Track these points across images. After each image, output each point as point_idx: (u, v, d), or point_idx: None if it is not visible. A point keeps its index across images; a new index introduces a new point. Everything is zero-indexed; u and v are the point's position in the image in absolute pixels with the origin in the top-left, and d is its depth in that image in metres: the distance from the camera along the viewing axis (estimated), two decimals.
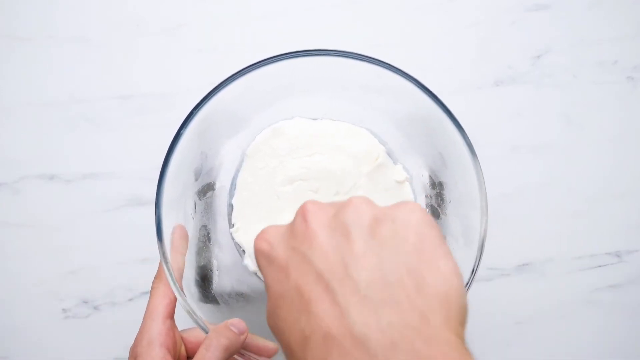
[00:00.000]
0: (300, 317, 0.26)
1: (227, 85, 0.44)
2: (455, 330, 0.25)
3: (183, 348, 0.42)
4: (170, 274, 0.41)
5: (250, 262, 0.50)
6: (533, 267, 0.58)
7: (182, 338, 0.42)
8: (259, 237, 0.31)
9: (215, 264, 0.50)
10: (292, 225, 0.30)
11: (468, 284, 0.42)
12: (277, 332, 0.29)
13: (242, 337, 0.40)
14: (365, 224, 0.28)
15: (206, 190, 0.50)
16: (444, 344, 0.24)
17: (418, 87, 0.44)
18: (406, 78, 0.44)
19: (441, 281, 0.26)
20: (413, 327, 0.24)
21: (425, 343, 0.24)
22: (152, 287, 0.42)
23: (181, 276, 0.43)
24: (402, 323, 0.24)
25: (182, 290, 0.42)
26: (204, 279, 0.49)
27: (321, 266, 0.27)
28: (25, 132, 0.59)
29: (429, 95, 0.44)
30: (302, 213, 0.29)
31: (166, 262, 0.41)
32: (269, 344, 0.43)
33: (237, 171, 0.51)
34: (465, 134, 0.43)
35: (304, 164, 0.49)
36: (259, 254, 0.31)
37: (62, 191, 0.58)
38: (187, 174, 0.47)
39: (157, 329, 0.39)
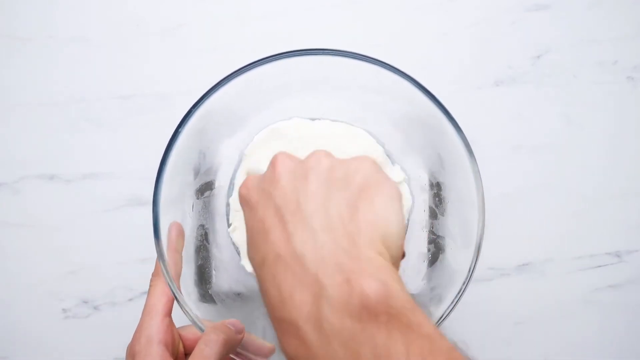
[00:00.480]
0: (261, 244, 0.32)
1: (225, 83, 0.44)
2: (378, 250, 0.30)
3: (181, 345, 0.42)
4: (167, 273, 0.41)
5: (247, 262, 0.50)
6: (533, 267, 0.58)
7: (179, 335, 0.42)
8: (242, 185, 0.36)
9: (213, 263, 0.50)
10: (265, 172, 0.35)
11: (465, 283, 0.42)
12: (251, 260, 0.34)
13: (240, 335, 0.40)
14: (322, 169, 0.33)
15: (204, 189, 0.50)
16: (365, 260, 0.29)
17: (416, 86, 0.44)
18: (404, 78, 0.44)
19: (371, 212, 0.31)
20: (342, 247, 0.30)
21: (349, 259, 0.29)
22: (150, 285, 0.42)
23: (179, 274, 0.43)
24: (333, 244, 0.30)
25: (179, 289, 0.42)
26: (202, 279, 0.49)
27: (280, 202, 0.32)
28: (25, 132, 0.59)
29: (426, 95, 0.43)
30: (273, 161, 0.35)
31: (163, 261, 0.41)
32: (266, 344, 0.43)
33: (235, 171, 0.51)
34: (463, 134, 0.43)
35: None
36: (240, 198, 0.36)
37: (62, 191, 0.58)
38: (185, 173, 0.47)
39: (156, 326, 0.39)
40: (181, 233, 0.46)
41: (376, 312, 0.27)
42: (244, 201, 0.35)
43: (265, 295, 0.31)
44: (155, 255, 0.41)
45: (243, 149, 0.51)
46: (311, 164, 0.33)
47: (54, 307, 0.58)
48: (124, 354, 0.57)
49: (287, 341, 0.30)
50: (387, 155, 0.51)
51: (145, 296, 0.56)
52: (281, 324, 0.30)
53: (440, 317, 0.42)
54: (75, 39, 0.59)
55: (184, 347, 0.42)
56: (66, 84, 0.59)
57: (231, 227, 0.50)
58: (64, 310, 0.58)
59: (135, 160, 0.58)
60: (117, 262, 0.58)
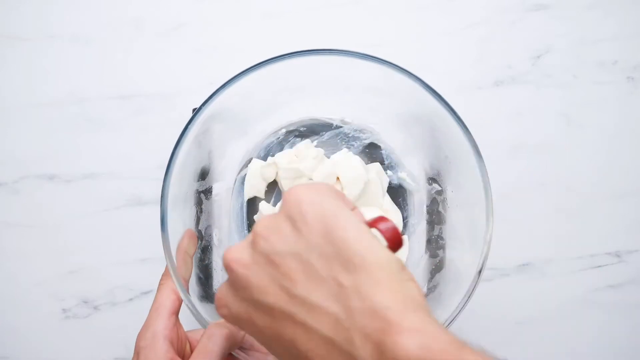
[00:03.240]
0: (282, 350, 0.30)
1: (235, 82, 0.44)
2: (382, 280, 0.28)
3: (188, 347, 0.42)
4: (174, 271, 0.42)
5: None
6: (533, 267, 0.58)
7: (187, 337, 0.42)
8: (217, 305, 0.33)
9: (219, 263, 0.50)
10: (228, 278, 0.33)
11: (475, 284, 0.42)
12: None
13: (242, 332, 0.40)
14: (278, 243, 0.30)
15: (212, 190, 0.50)
16: (385, 308, 0.27)
17: (423, 86, 0.44)
18: (411, 78, 0.44)
19: (350, 250, 0.29)
20: (356, 308, 0.27)
21: (370, 317, 0.27)
22: (159, 284, 0.43)
23: (188, 276, 0.44)
24: (345, 311, 0.28)
25: (187, 290, 0.42)
26: (208, 278, 0.49)
27: (269, 300, 0.30)
28: (25, 132, 0.59)
29: (434, 95, 0.44)
30: (225, 265, 0.32)
31: (170, 260, 0.41)
32: None
33: (243, 172, 0.51)
34: (470, 134, 0.43)
35: None
36: (226, 319, 0.33)
37: (62, 191, 0.58)
38: (193, 171, 0.47)
39: (163, 323, 0.40)
40: (193, 238, 0.46)
41: None
42: (232, 321, 0.33)
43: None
44: (157, 256, 0.41)
45: (251, 152, 0.51)
46: (263, 245, 0.31)
47: (54, 307, 0.58)
48: (123, 354, 0.57)
49: None
50: (391, 157, 0.51)
51: (146, 296, 0.56)
52: None
53: (451, 318, 0.42)
54: (75, 39, 0.59)
55: (192, 349, 0.42)
56: (66, 84, 0.59)
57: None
58: (64, 310, 0.58)
59: (135, 160, 0.58)
60: (117, 262, 0.58)
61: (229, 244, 0.51)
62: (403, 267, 0.29)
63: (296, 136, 0.53)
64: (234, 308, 0.32)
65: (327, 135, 0.52)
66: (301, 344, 0.29)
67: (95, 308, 0.58)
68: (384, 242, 0.31)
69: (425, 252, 0.50)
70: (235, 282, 0.32)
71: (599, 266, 0.58)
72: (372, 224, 0.32)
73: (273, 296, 0.30)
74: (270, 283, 0.30)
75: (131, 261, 0.58)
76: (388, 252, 0.29)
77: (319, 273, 0.29)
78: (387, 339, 0.26)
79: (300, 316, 0.29)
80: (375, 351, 0.26)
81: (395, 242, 0.31)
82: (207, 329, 0.39)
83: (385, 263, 0.28)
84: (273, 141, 0.53)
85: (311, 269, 0.29)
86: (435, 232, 0.50)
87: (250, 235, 0.32)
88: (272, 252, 0.30)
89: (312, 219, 0.30)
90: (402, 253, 0.50)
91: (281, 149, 0.52)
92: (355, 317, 0.27)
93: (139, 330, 0.41)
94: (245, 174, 0.52)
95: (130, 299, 0.58)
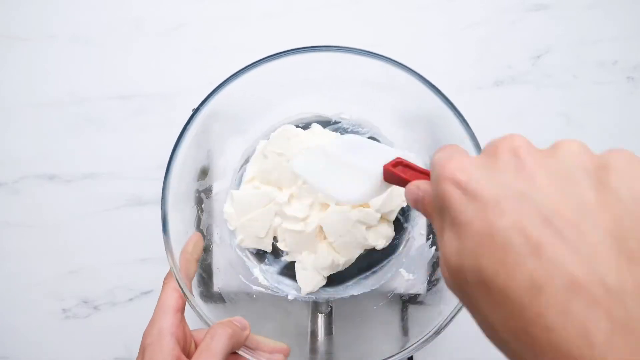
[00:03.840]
0: (525, 261, 0.24)
1: (234, 80, 0.44)
2: None
3: (193, 345, 0.42)
4: (177, 272, 0.42)
5: (259, 273, 0.50)
6: None
7: (192, 336, 0.43)
8: (451, 166, 0.28)
9: (221, 263, 0.50)
10: (494, 158, 0.28)
11: None
12: (475, 272, 0.25)
13: (245, 332, 0.40)
14: (590, 171, 0.26)
15: (212, 189, 0.50)
16: None
17: (425, 84, 0.44)
18: (414, 75, 0.44)
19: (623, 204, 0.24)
20: None
21: None
22: (163, 282, 0.43)
23: (192, 277, 0.44)
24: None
25: (191, 290, 0.43)
26: (210, 277, 0.49)
27: (550, 209, 0.24)
28: (25, 132, 0.59)
29: (432, 90, 0.44)
30: (509, 147, 0.28)
31: (172, 259, 0.42)
32: (279, 344, 0.43)
33: (242, 171, 0.51)
34: (472, 131, 0.43)
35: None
36: (451, 185, 0.27)
37: (62, 191, 0.58)
38: (193, 171, 0.47)
39: (169, 320, 0.40)
40: (200, 241, 0.47)
41: None
42: (462, 190, 0.27)
43: (552, 330, 0.23)
44: (157, 256, 0.41)
45: (251, 147, 0.51)
46: (570, 159, 0.26)
47: (54, 307, 0.58)
48: (123, 354, 0.57)
49: None
50: None
51: (146, 296, 0.56)
52: None
53: (453, 313, 0.43)
54: (75, 39, 0.59)
55: (196, 348, 0.43)
56: (66, 84, 0.59)
57: (239, 239, 0.50)
58: (64, 310, 0.58)
59: (136, 160, 0.58)
60: (117, 262, 0.58)
61: (230, 242, 0.51)
62: None
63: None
64: (480, 182, 0.26)
65: (326, 130, 0.52)
66: (574, 272, 0.23)
67: (95, 308, 0.58)
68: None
69: (427, 244, 0.50)
70: (509, 165, 0.27)
71: None
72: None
73: (557, 208, 0.24)
74: (561, 196, 0.24)
75: (131, 261, 0.58)
76: None
77: (624, 229, 0.23)
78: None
79: (581, 246, 0.23)
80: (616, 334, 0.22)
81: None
82: (210, 329, 0.39)
83: None
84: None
85: (620, 221, 0.23)
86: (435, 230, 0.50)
87: (553, 146, 0.27)
88: (577, 170, 0.25)
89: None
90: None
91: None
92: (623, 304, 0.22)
93: (139, 331, 0.41)
94: (246, 172, 0.52)
95: (130, 299, 0.58)
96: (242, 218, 0.49)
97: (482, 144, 0.44)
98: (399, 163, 0.36)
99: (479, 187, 0.26)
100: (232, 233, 0.50)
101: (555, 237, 0.23)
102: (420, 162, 0.50)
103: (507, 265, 0.24)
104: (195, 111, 0.44)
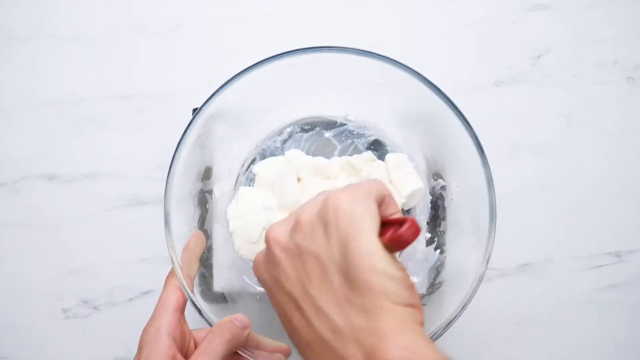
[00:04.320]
0: (292, 329, 0.35)
1: (236, 80, 0.44)
2: (388, 292, 0.31)
3: (192, 344, 0.43)
4: (179, 271, 0.42)
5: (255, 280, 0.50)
6: (533, 267, 0.58)
7: (192, 335, 0.43)
8: (254, 267, 0.38)
9: (225, 263, 0.50)
10: (265, 249, 0.36)
11: (481, 276, 0.43)
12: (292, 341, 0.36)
13: (246, 331, 0.41)
14: (308, 241, 0.33)
15: (215, 190, 0.50)
16: (382, 322, 0.30)
17: (427, 85, 0.44)
18: (415, 75, 0.44)
19: (362, 261, 0.31)
20: (355, 320, 0.31)
21: (367, 332, 0.31)
22: (165, 281, 0.43)
23: (194, 276, 0.45)
24: (346, 320, 0.31)
25: (192, 290, 0.43)
26: (212, 276, 0.49)
27: (288, 287, 0.34)
28: (25, 132, 0.59)
29: (437, 93, 0.44)
30: (266, 240, 0.36)
31: (174, 258, 0.42)
32: (281, 344, 0.44)
33: (247, 173, 0.51)
34: (473, 130, 0.43)
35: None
36: (258, 279, 0.38)
37: (62, 191, 0.58)
38: (196, 172, 0.47)
39: (167, 319, 0.40)
40: (201, 239, 0.48)
41: None
42: (262, 283, 0.37)
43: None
44: (157, 256, 0.41)
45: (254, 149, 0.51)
46: (298, 236, 0.34)
47: (54, 307, 0.58)
48: (123, 354, 0.57)
49: None
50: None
51: (146, 296, 0.56)
52: None
53: (452, 316, 0.43)
54: (75, 39, 0.59)
55: (196, 347, 0.43)
56: (66, 84, 0.59)
57: (236, 247, 0.50)
58: (64, 310, 0.58)
59: (136, 160, 0.58)
60: (117, 262, 0.58)
61: (233, 243, 0.51)
62: (410, 293, 0.32)
63: (299, 132, 0.52)
64: (263, 275, 0.37)
65: (331, 132, 0.52)
66: (304, 334, 0.33)
67: (95, 308, 0.58)
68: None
69: (429, 248, 0.50)
70: (269, 257, 0.36)
71: (599, 266, 0.58)
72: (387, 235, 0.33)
73: (292, 285, 0.34)
74: (293, 273, 0.34)
75: (131, 261, 0.58)
76: (397, 284, 0.32)
77: (333, 283, 0.32)
78: (377, 352, 0.30)
79: (307, 312, 0.33)
80: (365, 358, 0.30)
81: (399, 246, 0.33)
82: (209, 332, 0.40)
83: (391, 292, 0.31)
84: (276, 140, 0.53)
85: (327, 276, 0.33)
86: (441, 228, 0.50)
87: (294, 219, 0.35)
88: (303, 247, 0.34)
89: (341, 233, 0.32)
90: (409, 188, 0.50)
91: (282, 151, 0.52)
92: (354, 331, 0.31)
93: (139, 331, 0.41)
94: (248, 172, 0.52)
95: (130, 299, 0.58)
96: (240, 220, 0.49)
97: (482, 144, 0.44)
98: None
99: (263, 279, 0.37)
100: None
101: (295, 310, 0.34)
102: (411, 162, 0.50)
103: (289, 331, 0.36)
104: (197, 112, 0.44)
